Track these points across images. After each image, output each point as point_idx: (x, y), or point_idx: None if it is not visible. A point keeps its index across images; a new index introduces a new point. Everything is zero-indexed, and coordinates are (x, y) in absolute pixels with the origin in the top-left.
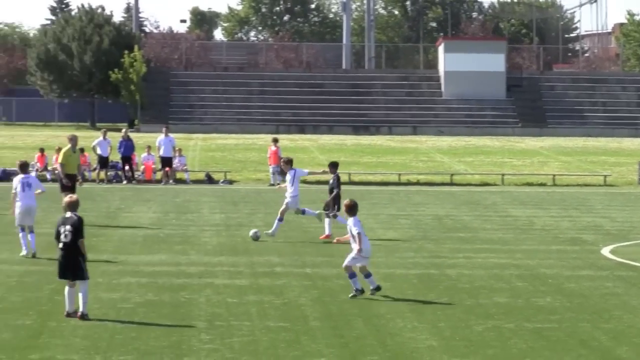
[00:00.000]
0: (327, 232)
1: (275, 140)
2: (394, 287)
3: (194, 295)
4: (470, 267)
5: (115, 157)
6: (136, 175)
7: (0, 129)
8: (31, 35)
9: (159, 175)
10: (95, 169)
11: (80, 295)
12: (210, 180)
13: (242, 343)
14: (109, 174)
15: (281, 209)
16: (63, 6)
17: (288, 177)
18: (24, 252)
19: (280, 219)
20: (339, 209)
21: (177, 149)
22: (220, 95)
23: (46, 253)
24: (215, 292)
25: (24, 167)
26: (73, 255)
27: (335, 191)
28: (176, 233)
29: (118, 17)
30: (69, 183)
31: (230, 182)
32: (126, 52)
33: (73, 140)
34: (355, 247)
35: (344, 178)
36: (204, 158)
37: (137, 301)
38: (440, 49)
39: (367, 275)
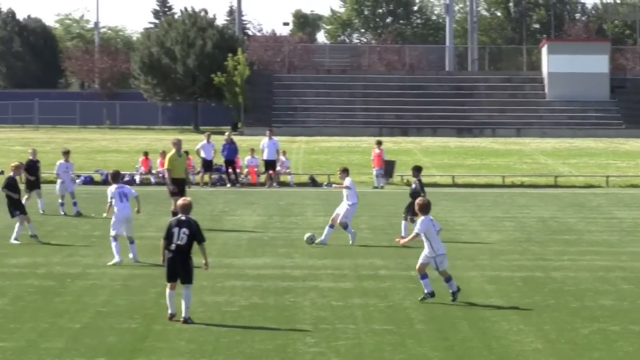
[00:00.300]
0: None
1: (379, 143)
2: (499, 289)
3: (299, 299)
4: (576, 270)
5: (219, 160)
6: (240, 178)
7: (104, 132)
8: (134, 38)
9: (262, 178)
10: (199, 172)
11: (183, 300)
12: (313, 183)
13: (347, 346)
14: (212, 177)
15: (333, 216)
16: (166, 9)
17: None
18: (115, 261)
19: (332, 226)
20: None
21: (280, 151)
22: (323, 98)
23: (151, 257)
24: (320, 295)
25: (116, 177)
26: (185, 258)
27: (421, 195)
28: (280, 236)
29: (221, 20)
30: (175, 189)
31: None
32: (229, 55)
33: (177, 144)
34: (426, 247)
35: (447, 180)
36: (307, 161)
37: (242, 304)
38: (544, 50)
39: (447, 279)
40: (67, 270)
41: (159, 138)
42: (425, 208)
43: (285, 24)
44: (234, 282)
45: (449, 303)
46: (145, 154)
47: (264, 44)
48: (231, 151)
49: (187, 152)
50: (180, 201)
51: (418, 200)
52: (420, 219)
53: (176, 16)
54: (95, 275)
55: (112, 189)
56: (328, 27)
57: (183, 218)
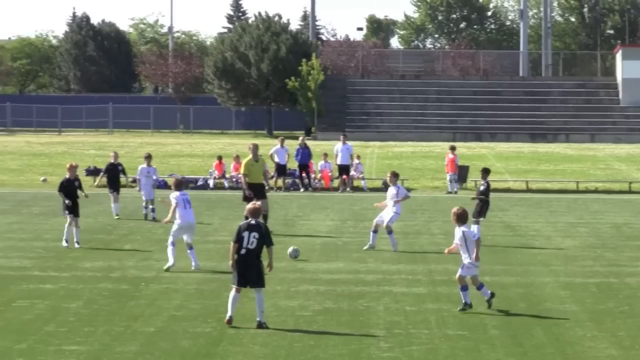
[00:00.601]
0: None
1: (453, 148)
2: (573, 295)
3: (373, 303)
4: None
5: (293, 164)
6: (313, 183)
7: (177, 136)
8: (208, 43)
9: (335, 182)
10: (272, 177)
11: (257, 304)
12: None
13: (421, 351)
14: (286, 181)
15: (376, 221)
16: (240, 14)
17: (393, 191)
18: (169, 264)
19: (375, 231)
20: (484, 216)
21: (354, 156)
22: (396, 103)
23: (224, 261)
24: (393, 300)
25: (180, 185)
26: (256, 262)
27: (484, 198)
28: (354, 241)
29: (295, 25)
30: (251, 194)
31: (408, 189)
32: (303, 60)
33: (254, 149)
34: (464, 257)
35: (521, 186)
36: (380, 166)
37: (315, 309)
38: (618, 56)
39: (479, 286)
40: (142, 274)
41: (233, 142)
42: (462, 217)
43: (359, 29)
44: (308, 287)
45: (523, 308)
46: (219, 158)
47: (337, 49)
48: (305, 156)
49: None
50: (250, 205)
51: (455, 210)
52: (457, 229)
53: (250, 21)
54: (170, 279)
55: (176, 194)
56: (402, 32)
57: (253, 222)
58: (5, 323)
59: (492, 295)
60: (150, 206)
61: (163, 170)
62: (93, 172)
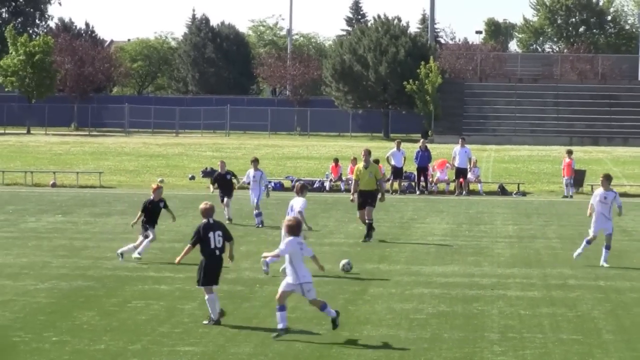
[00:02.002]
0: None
1: (569, 152)
2: None
3: (487, 307)
4: None
5: (410, 167)
6: (430, 187)
7: (294, 139)
8: (327, 45)
9: (452, 186)
10: (389, 180)
11: (215, 301)
12: (503, 191)
13: (534, 355)
14: (402, 184)
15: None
16: (359, 17)
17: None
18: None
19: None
20: None
21: (472, 160)
22: (514, 107)
23: (340, 263)
24: (507, 304)
25: (303, 190)
26: (222, 260)
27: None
28: (469, 244)
29: (414, 27)
30: (358, 201)
31: (524, 193)
32: (421, 63)
33: (364, 155)
34: (290, 273)
35: (638, 190)
36: (497, 169)
37: (429, 312)
38: None
39: (322, 307)
40: (256, 275)
41: (349, 145)
42: (295, 229)
43: (478, 32)
44: (422, 290)
45: (638, 313)
46: (336, 160)
47: (455, 52)
48: (424, 159)
49: (377, 161)
50: (202, 206)
51: (287, 221)
52: (287, 240)
53: (369, 24)
54: None
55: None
56: (520, 35)
57: (212, 222)
58: (119, 323)
59: (337, 313)
60: (257, 211)
61: (280, 172)
62: (209, 173)
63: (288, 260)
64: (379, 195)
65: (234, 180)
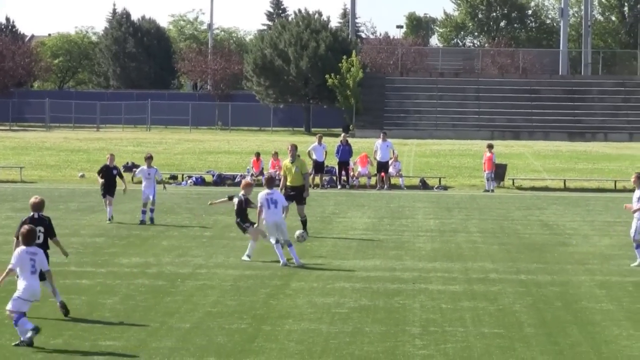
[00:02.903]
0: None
1: (490, 146)
2: (610, 294)
3: (408, 301)
4: None
5: (331, 161)
6: (351, 181)
7: (215, 133)
8: (248, 40)
9: (373, 180)
10: (310, 174)
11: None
12: (424, 185)
13: (456, 349)
14: (323, 178)
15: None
16: (280, 12)
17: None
18: (281, 262)
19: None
20: None
21: (394, 154)
22: (435, 101)
23: (261, 257)
24: (429, 298)
25: (269, 183)
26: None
27: None
28: (390, 238)
29: (334, 22)
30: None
31: (445, 187)
32: (343, 57)
33: (291, 150)
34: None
35: (559, 184)
36: (418, 163)
37: (351, 306)
38: None
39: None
40: (178, 270)
41: (271, 139)
42: (28, 237)
43: (399, 26)
44: (344, 284)
45: (559, 307)
46: (257, 155)
47: (377, 47)
48: (345, 153)
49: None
50: (32, 199)
51: (22, 230)
52: (15, 251)
53: (290, 18)
54: (206, 276)
55: (262, 194)
56: (441, 30)
57: (36, 216)
58: (41, 318)
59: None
60: (151, 207)
61: (201, 167)
62: (130, 167)
63: None
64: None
65: (121, 180)
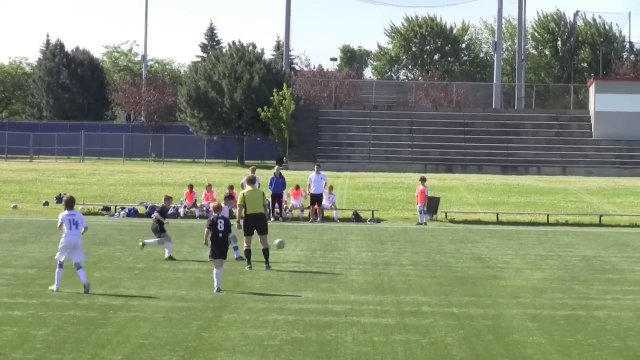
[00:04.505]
0: None
1: (423, 179)
2: (542, 327)
3: (341, 334)
4: (619, 309)
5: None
6: (284, 213)
7: (149, 165)
8: (181, 72)
9: (306, 212)
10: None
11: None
12: (357, 218)
13: None
14: None
15: None
16: (214, 43)
17: None
18: (53, 287)
19: None
20: None
21: (328, 186)
22: (368, 134)
23: (193, 289)
24: (361, 331)
25: (69, 204)
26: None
27: None
28: (323, 271)
29: (268, 54)
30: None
31: (378, 220)
32: (275, 90)
33: (252, 176)
34: None
35: (491, 217)
36: (351, 196)
37: (283, 338)
38: (591, 89)
39: None
40: (110, 302)
41: (204, 171)
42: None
43: (333, 59)
44: (276, 316)
45: (491, 340)
46: (190, 187)
47: (311, 79)
48: (278, 185)
49: (231, 187)
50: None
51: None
52: None
53: (224, 50)
54: (138, 307)
55: (63, 214)
56: (375, 63)
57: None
58: None
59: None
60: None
61: (134, 198)
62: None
63: None
64: (239, 222)
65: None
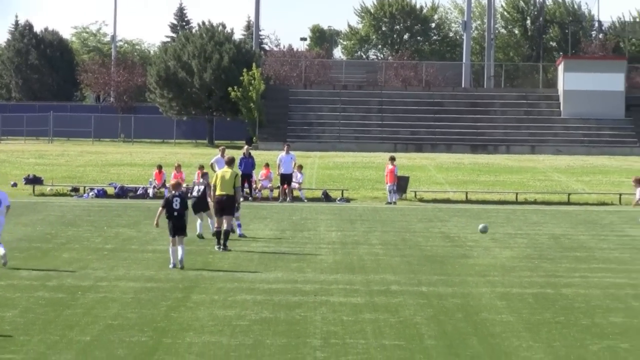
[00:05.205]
0: None
1: (393, 159)
2: (510, 306)
3: (310, 313)
4: (586, 287)
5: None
6: (254, 193)
7: (119, 146)
8: (151, 52)
9: (276, 192)
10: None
11: None
12: (327, 198)
13: None
14: None
15: None
16: (184, 23)
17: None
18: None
19: None
20: None
21: (297, 166)
22: (338, 114)
23: (162, 270)
24: (330, 310)
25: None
26: None
27: None
28: (292, 251)
29: (238, 34)
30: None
31: (348, 200)
32: (245, 70)
33: (228, 157)
34: None
35: (461, 197)
36: (321, 176)
37: (252, 318)
38: (560, 68)
39: None
40: (79, 282)
41: (174, 152)
42: None
43: (303, 39)
44: (245, 296)
45: (459, 319)
46: (159, 167)
47: (280, 59)
48: (248, 165)
49: (202, 166)
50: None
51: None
52: None
53: (194, 30)
54: (107, 288)
55: None
56: (345, 42)
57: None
58: None
59: None
60: None
61: (103, 179)
62: (32, 180)
63: None
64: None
65: None
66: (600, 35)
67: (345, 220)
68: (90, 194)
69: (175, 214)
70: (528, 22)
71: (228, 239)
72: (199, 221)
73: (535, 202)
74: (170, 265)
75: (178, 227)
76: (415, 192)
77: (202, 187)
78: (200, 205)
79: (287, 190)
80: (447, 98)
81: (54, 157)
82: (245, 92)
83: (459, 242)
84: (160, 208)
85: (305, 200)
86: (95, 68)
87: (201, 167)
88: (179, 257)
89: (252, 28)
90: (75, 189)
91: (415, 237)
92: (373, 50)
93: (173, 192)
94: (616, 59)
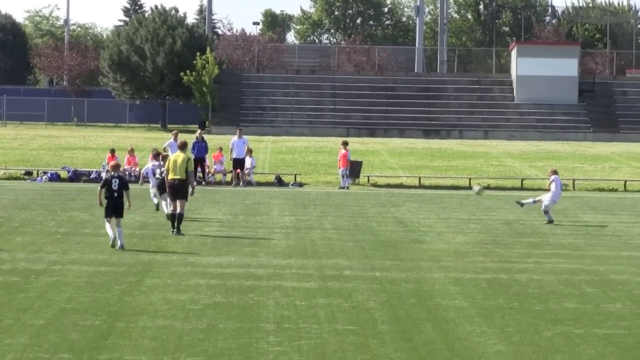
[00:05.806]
0: None
1: (345, 144)
2: (464, 291)
3: (263, 298)
4: (540, 272)
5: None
6: (207, 177)
7: (71, 129)
8: (104, 36)
9: (228, 177)
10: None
11: None
12: (280, 182)
13: (310, 346)
14: None
15: None
16: (136, 7)
17: None
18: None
19: None
20: None
21: (248, 149)
22: (291, 98)
23: (115, 253)
24: (283, 295)
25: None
26: None
27: None
28: (245, 235)
29: (191, 18)
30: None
31: (300, 184)
32: (198, 54)
33: (181, 142)
34: None
35: (414, 182)
36: (274, 160)
37: (205, 303)
38: (513, 53)
39: None
40: (32, 266)
41: (127, 136)
42: None
43: (255, 23)
44: (198, 281)
45: (413, 304)
46: (112, 151)
47: (233, 43)
48: (201, 150)
49: (156, 150)
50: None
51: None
52: None
53: (146, 14)
54: (60, 272)
55: None
56: (298, 27)
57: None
58: None
59: None
60: None
61: (56, 163)
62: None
63: None
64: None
65: None
66: (554, 21)
67: (298, 205)
68: (44, 177)
69: (116, 195)
70: (481, 6)
71: (181, 222)
72: (163, 202)
73: (488, 188)
74: (110, 237)
75: (116, 207)
76: (368, 177)
77: (164, 169)
78: (165, 186)
79: (240, 175)
80: (400, 83)
81: (7, 141)
82: (198, 76)
83: (412, 227)
84: (100, 188)
85: (255, 184)
86: (49, 52)
87: (155, 151)
88: (118, 236)
89: (205, 12)
90: (29, 173)
91: (369, 222)
92: (326, 35)
93: (112, 173)
94: (569, 44)
